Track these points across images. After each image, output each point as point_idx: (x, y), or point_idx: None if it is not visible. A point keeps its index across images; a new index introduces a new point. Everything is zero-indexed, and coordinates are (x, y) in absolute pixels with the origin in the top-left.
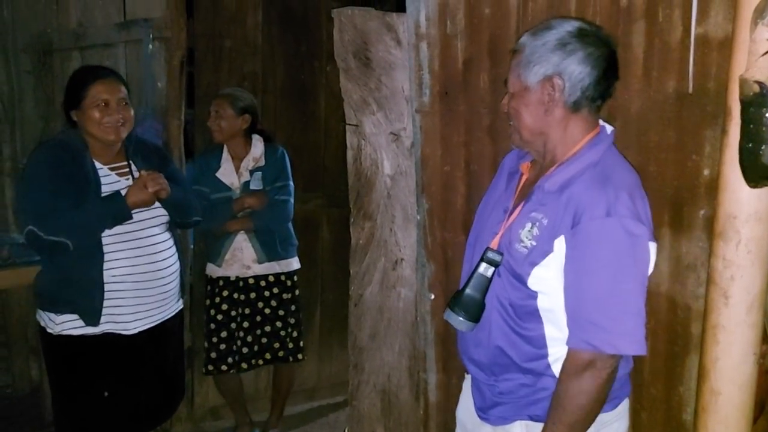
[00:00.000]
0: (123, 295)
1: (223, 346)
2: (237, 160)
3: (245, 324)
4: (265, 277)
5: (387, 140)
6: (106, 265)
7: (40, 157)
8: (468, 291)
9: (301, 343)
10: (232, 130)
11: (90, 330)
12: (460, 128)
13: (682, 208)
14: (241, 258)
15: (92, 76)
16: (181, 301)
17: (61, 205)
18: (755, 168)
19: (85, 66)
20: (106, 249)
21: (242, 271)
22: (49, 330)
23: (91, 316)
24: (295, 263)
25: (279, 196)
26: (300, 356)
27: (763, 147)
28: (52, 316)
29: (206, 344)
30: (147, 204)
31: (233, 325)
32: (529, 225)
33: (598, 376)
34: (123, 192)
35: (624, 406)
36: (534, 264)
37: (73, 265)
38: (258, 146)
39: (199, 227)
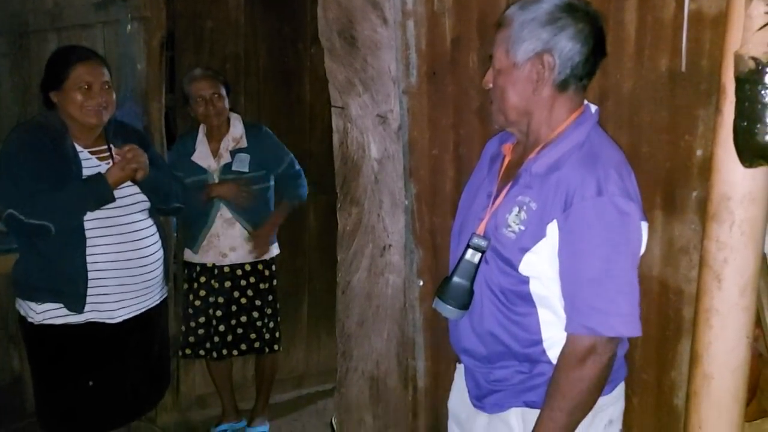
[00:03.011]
0: (107, 282)
1: (201, 331)
2: (215, 141)
3: (218, 313)
4: (241, 265)
5: (374, 123)
6: (88, 251)
7: (19, 139)
8: (455, 278)
9: (278, 334)
10: (227, 108)
11: (73, 319)
12: (449, 110)
13: (674, 190)
14: (218, 245)
15: (75, 57)
16: (165, 288)
17: (42, 187)
18: (750, 147)
19: (66, 46)
20: (88, 234)
21: (218, 258)
22: (30, 319)
23: (76, 302)
24: (274, 249)
25: (294, 169)
26: (276, 347)
27: (758, 125)
28: (33, 305)
29: (184, 328)
30: (127, 180)
31: (210, 311)
32: (516, 209)
33: (599, 361)
34: None
35: (620, 390)
36: (525, 250)
37: (55, 251)
38: (237, 125)
39: (179, 214)
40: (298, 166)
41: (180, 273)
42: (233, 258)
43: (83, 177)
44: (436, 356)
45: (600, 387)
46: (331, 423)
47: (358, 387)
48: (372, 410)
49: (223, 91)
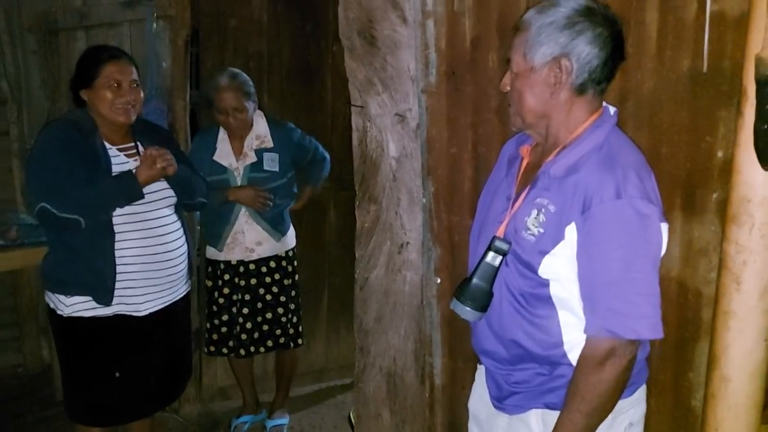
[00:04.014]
0: (133, 276)
1: (224, 329)
2: (238, 140)
3: (245, 310)
4: (266, 261)
5: (392, 121)
6: (116, 245)
7: (51, 135)
8: (475, 280)
9: (301, 329)
10: (250, 118)
11: (101, 311)
12: (468, 109)
13: (694, 191)
14: (243, 241)
15: (105, 56)
16: (189, 282)
17: (74, 182)
18: None
19: (97, 45)
20: (116, 229)
21: (245, 254)
22: (59, 312)
23: (104, 295)
24: (292, 240)
25: (319, 155)
26: (300, 341)
27: None
28: (62, 297)
29: (208, 325)
30: (156, 179)
31: (234, 309)
32: (535, 212)
33: (618, 364)
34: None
35: (641, 393)
36: (544, 252)
37: (84, 245)
38: (260, 123)
39: (203, 209)
40: (321, 150)
41: (203, 267)
42: (260, 252)
43: (113, 173)
44: (453, 353)
45: (620, 390)
46: (350, 417)
47: (376, 382)
48: (389, 405)
49: (247, 104)
